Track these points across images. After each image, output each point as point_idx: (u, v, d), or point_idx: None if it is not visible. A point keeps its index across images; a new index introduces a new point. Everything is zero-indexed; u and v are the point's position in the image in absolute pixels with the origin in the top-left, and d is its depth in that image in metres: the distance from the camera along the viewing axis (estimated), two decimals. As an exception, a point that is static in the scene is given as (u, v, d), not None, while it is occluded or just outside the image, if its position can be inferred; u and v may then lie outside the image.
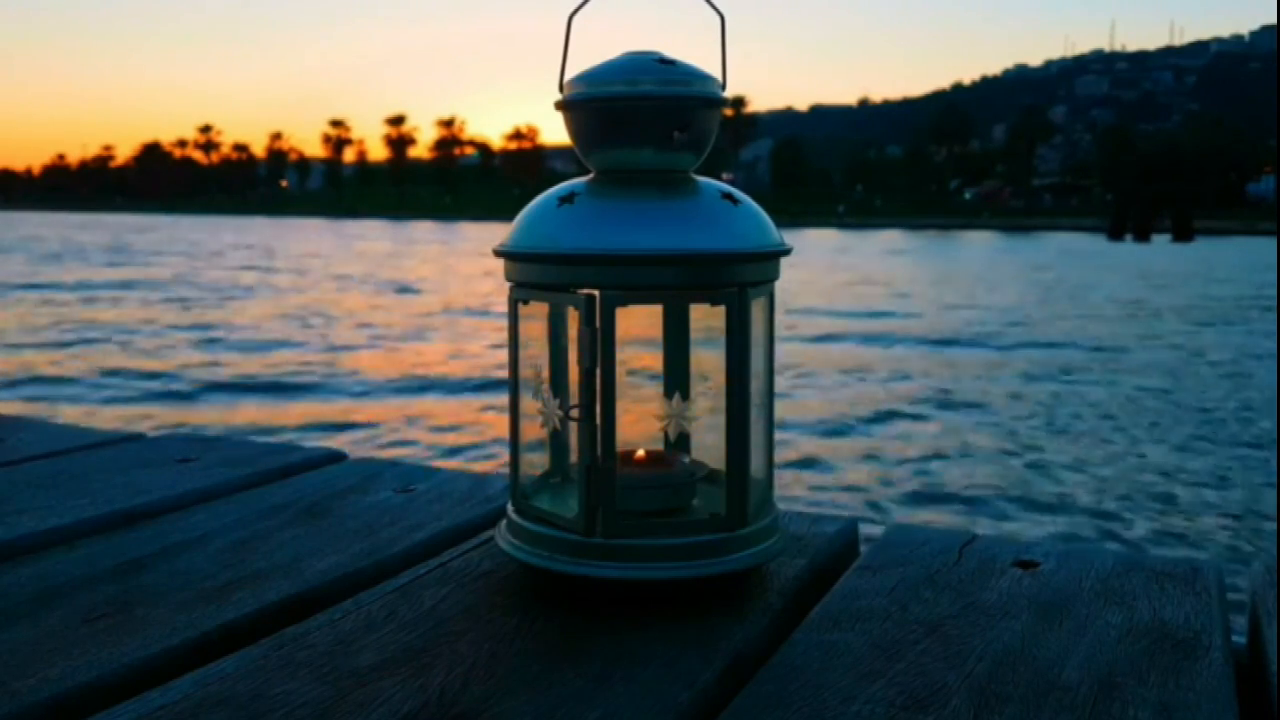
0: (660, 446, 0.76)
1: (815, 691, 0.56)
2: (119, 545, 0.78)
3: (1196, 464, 6.09)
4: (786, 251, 0.69)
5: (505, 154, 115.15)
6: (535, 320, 0.72)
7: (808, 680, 0.57)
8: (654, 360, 0.77)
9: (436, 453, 6.01)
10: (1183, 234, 48.81)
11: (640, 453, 0.73)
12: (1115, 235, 49.73)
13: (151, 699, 0.54)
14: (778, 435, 0.76)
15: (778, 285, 0.71)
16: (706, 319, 0.69)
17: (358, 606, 0.67)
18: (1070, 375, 9.23)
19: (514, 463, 0.72)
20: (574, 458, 0.72)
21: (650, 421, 0.75)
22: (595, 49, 0.72)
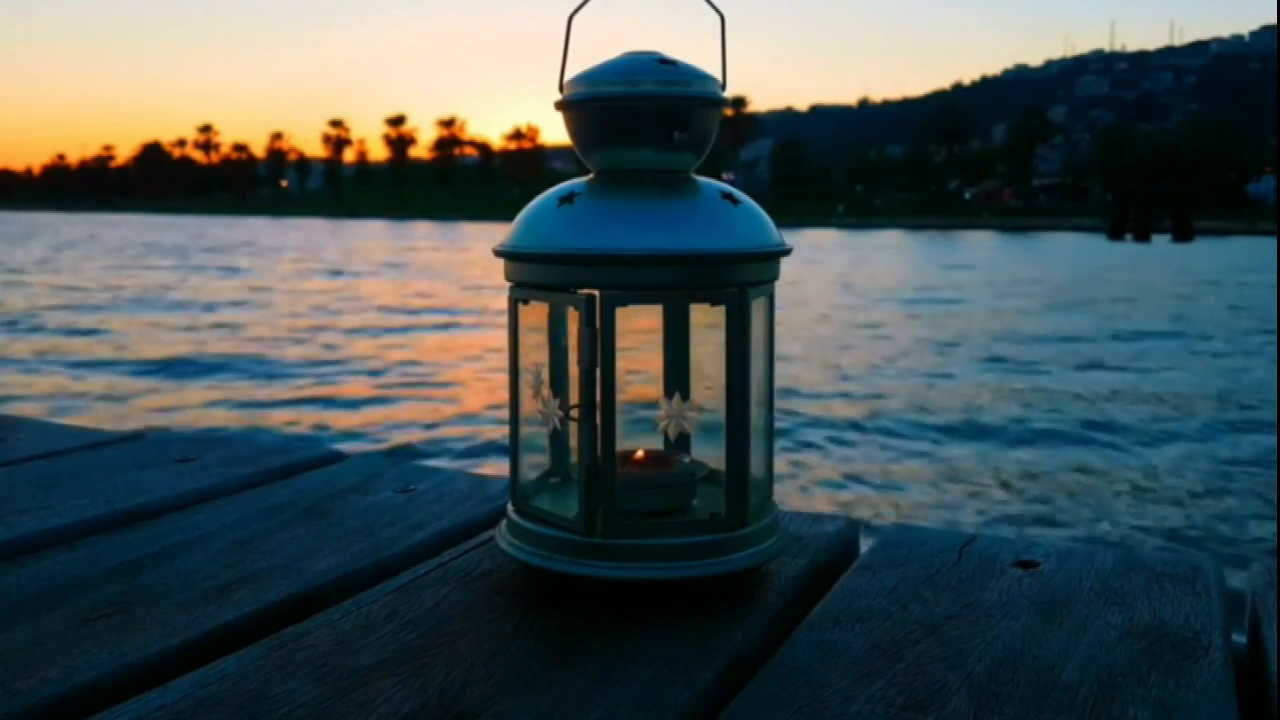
0: (660, 446, 0.76)
1: (815, 691, 0.56)
2: (119, 545, 0.78)
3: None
4: (786, 251, 0.69)
5: (505, 154, 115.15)
6: (535, 320, 0.72)
7: (808, 680, 0.57)
8: (654, 360, 0.77)
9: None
10: (1183, 234, 48.81)
11: (640, 453, 0.73)
12: (1115, 235, 49.72)
13: (151, 699, 0.54)
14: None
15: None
16: (707, 319, 0.69)
17: (358, 606, 0.67)
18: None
19: (514, 463, 0.72)
20: (574, 458, 0.72)
21: (650, 421, 0.75)
22: (595, 49, 0.72)
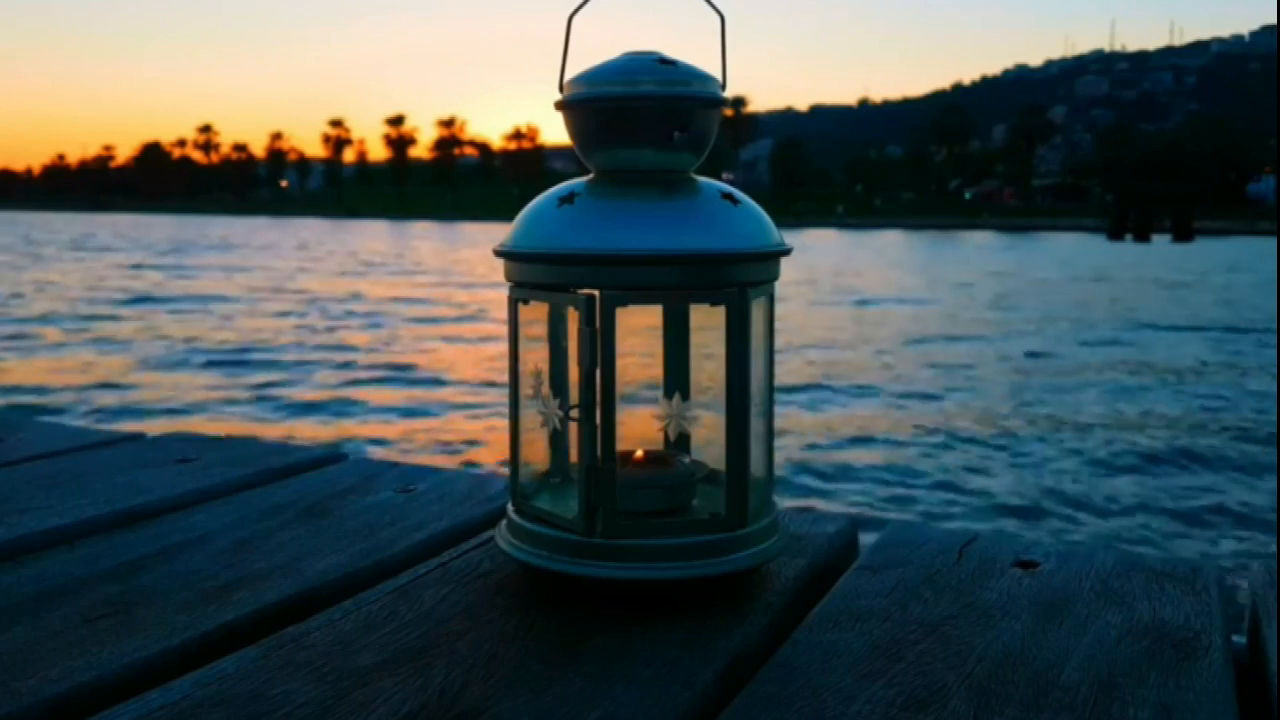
0: (660, 447, 0.76)
1: (815, 691, 0.56)
2: (119, 545, 0.78)
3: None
4: (786, 251, 0.69)
5: (505, 154, 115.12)
6: (535, 320, 0.72)
7: (808, 680, 0.57)
8: (654, 360, 0.77)
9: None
10: (1182, 234, 48.79)
11: (640, 453, 0.73)
12: (1115, 235, 49.69)
13: (151, 699, 0.54)
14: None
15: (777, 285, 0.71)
16: (707, 319, 0.69)
17: (358, 606, 0.67)
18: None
19: (514, 463, 0.72)
20: (574, 458, 0.72)
21: (650, 421, 0.75)
22: (595, 49, 0.73)
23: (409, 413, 7.28)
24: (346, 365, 9.24)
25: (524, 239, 0.68)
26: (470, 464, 5.96)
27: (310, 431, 6.68)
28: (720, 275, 0.66)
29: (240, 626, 0.64)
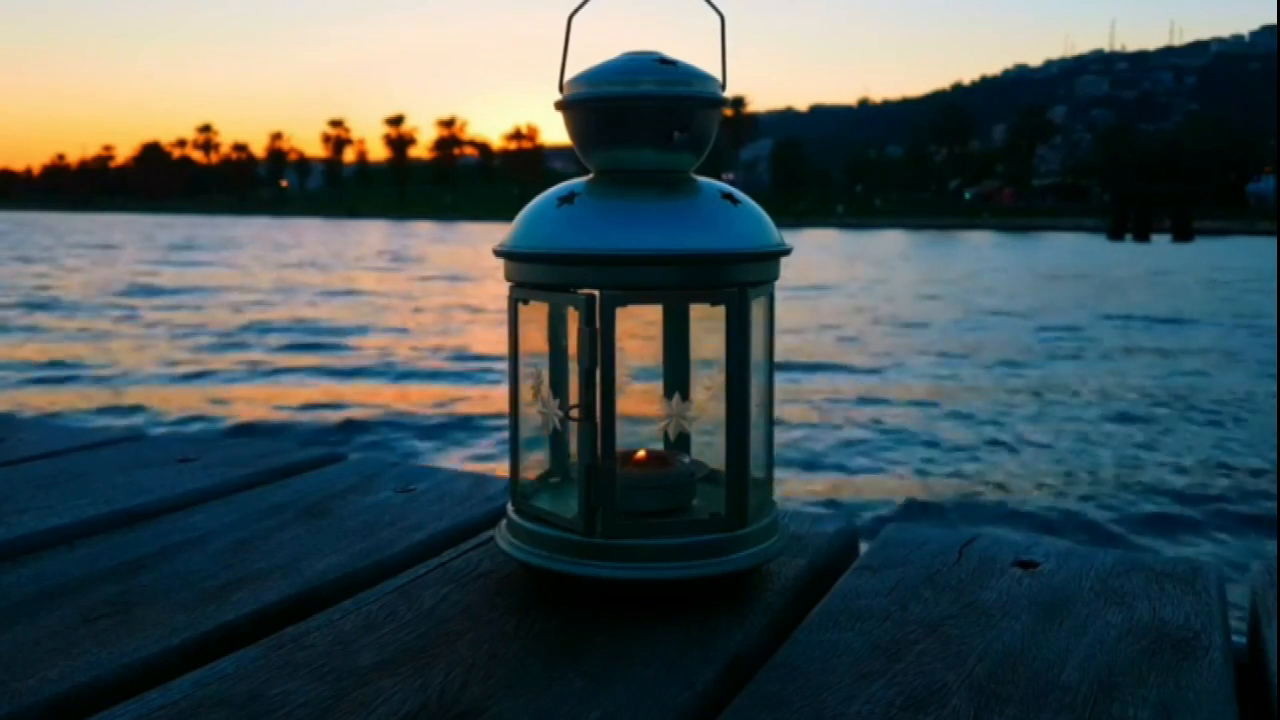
0: (660, 446, 0.76)
1: (815, 691, 0.56)
2: (119, 545, 0.78)
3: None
4: (786, 251, 0.69)
5: (505, 154, 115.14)
6: (535, 320, 0.72)
7: (808, 680, 0.57)
8: (654, 360, 0.77)
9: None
10: (1182, 234, 48.79)
11: (640, 453, 0.73)
12: (1115, 235, 49.69)
13: (151, 699, 0.54)
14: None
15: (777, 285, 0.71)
16: (707, 319, 0.69)
17: (358, 606, 0.67)
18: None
19: (514, 463, 0.72)
20: (574, 458, 0.72)
21: (650, 421, 0.75)
22: (595, 49, 0.72)
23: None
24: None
25: (524, 239, 0.68)
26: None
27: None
28: (720, 275, 0.66)
29: (240, 626, 0.64)
